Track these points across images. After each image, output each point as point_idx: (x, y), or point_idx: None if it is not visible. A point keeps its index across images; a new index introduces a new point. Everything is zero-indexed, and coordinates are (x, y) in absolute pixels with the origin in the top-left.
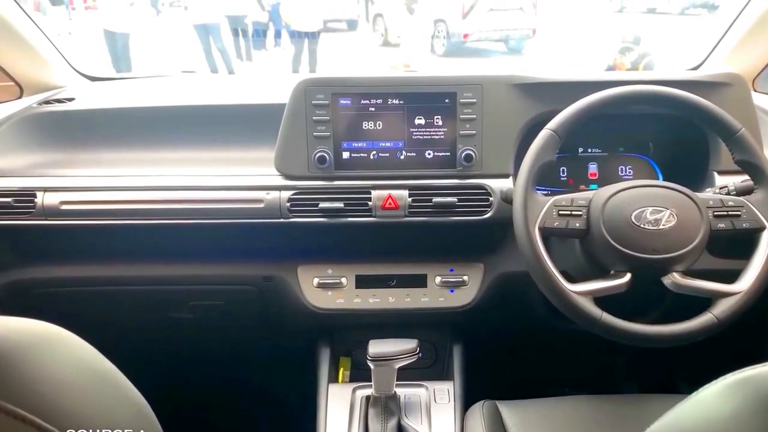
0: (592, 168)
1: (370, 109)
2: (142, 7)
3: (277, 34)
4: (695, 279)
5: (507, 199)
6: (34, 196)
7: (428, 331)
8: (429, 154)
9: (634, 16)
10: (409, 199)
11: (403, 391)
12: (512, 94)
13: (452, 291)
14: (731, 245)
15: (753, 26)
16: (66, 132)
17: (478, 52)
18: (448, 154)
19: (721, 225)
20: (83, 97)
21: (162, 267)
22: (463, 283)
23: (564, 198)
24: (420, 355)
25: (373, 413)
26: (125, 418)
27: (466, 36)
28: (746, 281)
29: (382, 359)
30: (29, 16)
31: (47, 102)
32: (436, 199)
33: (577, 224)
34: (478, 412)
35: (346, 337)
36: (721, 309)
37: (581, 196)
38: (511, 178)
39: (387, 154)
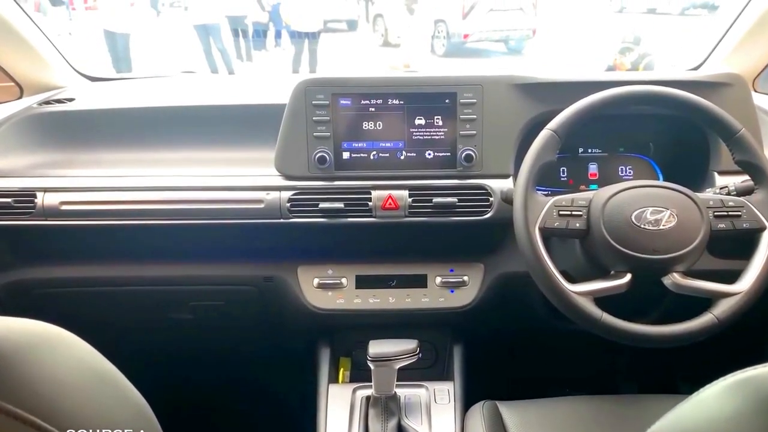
0: (593, 168)
1: (370, 109)
2: (142, 7)
3: (278, 35)
4: (695, 279)
5: (507, 199)
6: (34, 196)
7: (428, 332)
8: (429, 154)
9: (634, 17)
10: (410, 200)
11: (403, 392)
12: (512, 95)
13: (452, 291)
14: (731, 245)
15: (753, 26)
16: (66, 132)
17: (478, 52)
18: (449, 154)
19: (722, 225)
20: (83, 98)
21: (162, 267)
22: (463, 284)
23: (564, 198)
24: (420, 355)
25: (374, 413)
26: (125, 419)
27: (466, 36)
28: (746, 281)
29: (382, 359)
30: (29, 17)
31: (47, 102)
32: (436, 200)
33: (578, 224)
34: (479, 412)
35: (346, 337)
36: (721, 309)
37: (581, 197)
38: (511, 179)
39: (387, 155)
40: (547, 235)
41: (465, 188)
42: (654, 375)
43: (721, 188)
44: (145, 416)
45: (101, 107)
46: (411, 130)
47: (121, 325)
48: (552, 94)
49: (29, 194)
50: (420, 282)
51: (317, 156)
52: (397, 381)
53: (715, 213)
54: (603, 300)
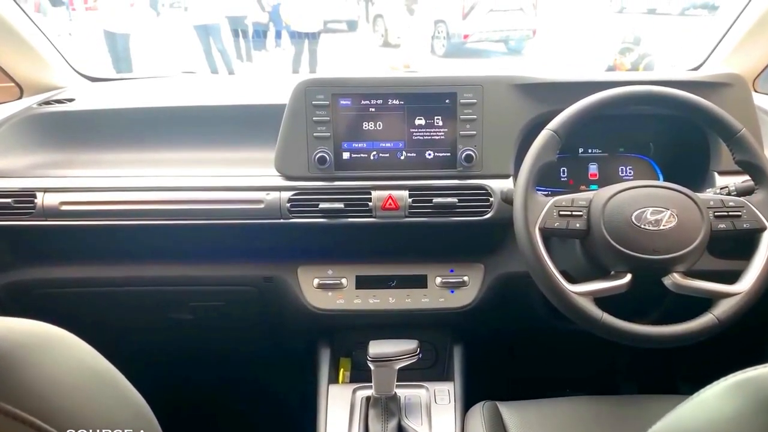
0: (593, 168)
1: (370, 109)
2: (142, 8)
3: (278, 35)
4: (696, 279)
5: (507, 199)
6: (34, 196)
7: (428, 332)
8: (429, 154)
9: (634, 17)
10: (410, 200)
11: (403, 392)
12: (512, 95)
13: (452, 291)
14: (732, 246)
15: (753, 27)
16: (66, 133)
17: (478, 52)
18: (449, 154)
19: (722, 225)
20: (83, 98)
21: (162, 267)
22: (463, 284)
23: (564, 198)
24: (420, 355)
25: (374, 414)
26: (124, 419)
27: (466, 37)
28: (747, 282)
29: (382, 360)
30: (29, 17)
31: (47, 102)
32: (436, 200)
33: (578, 225)
34: (479, 412)
35: (347, 337)
36: (721, 309)
37: (582, 197)
38: (511, 179)
39: (387, 155)
40: (548, 235)
41: (465, 188)
42: (654, 375)
43: (721, 188)
44: (144, 416)
45: (101, 107)
46: (411, 130)
47: (121, 326)
48: (552, 94)
49: (29, 194)
50: (420, 282)
51: (317, 156)
52: (397, 381)
53: (716, 213)
54: (603, 300)
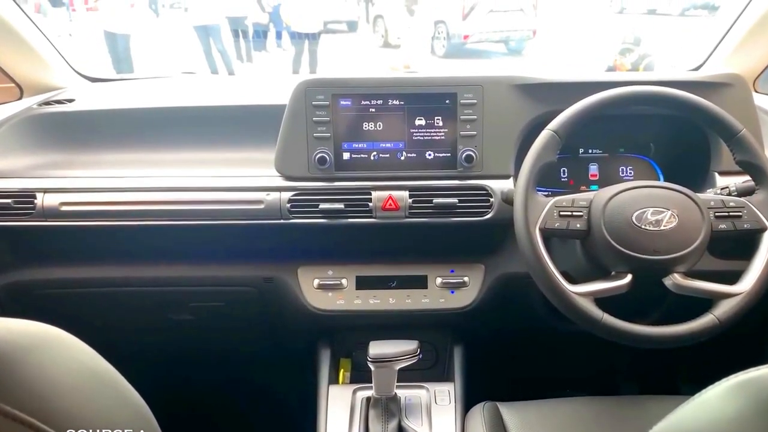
0: (593, 169)
1: (370, 110)
2: (142, 8)
3: (278, 36)
4: (696, 280)
5: (508, 200)
6: (34, 197)
7: (429, 333)
8: (429, 155)
9: (634, 17)
10: (410, 200)
11: (403, 393)
12: (513, 95)
13: (453, 292)
14: (732, 246)
15: (754, 27)
16: (66, 133)
17: (478, 53)
18: (449, 155)
19: (723, 226)
20: (83, 98)
21: (162, 268)
22: (463, 284)
23: (565, 199)
24: (420, 356)
25: (374, 415)
26: (124, 420)
27: (466, 37)
28: (747, 282)
29: (382, 360)
30: (30, 18)
31: (47, 103)
32: (436, 200)
33: (578, 225)
34: (479, 413)
35: (347, 338)
36: (722, 310)
37: (582, 197)
38: (511, 179)
39: (387, 155)
40: (548, 235)
41: (465, 189)
42: (655, 376)
43: (721, 189)
44: (144, 417)
45: (101, 108)
46: (411, 130)
47: (121, 326)
48: (552, 94)
49: (29, 195)
50: (420, 283)
51: (317, 157)
52: (397, 382)
53: (716, 213)
54: (604, 301)
